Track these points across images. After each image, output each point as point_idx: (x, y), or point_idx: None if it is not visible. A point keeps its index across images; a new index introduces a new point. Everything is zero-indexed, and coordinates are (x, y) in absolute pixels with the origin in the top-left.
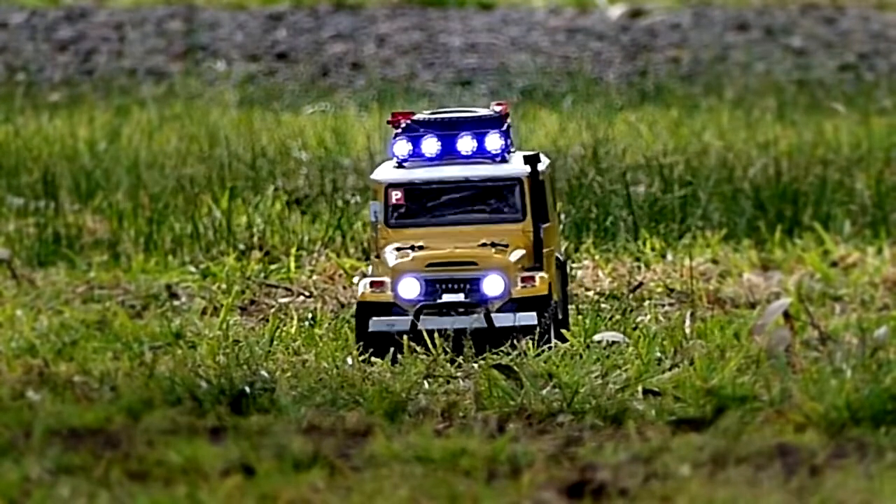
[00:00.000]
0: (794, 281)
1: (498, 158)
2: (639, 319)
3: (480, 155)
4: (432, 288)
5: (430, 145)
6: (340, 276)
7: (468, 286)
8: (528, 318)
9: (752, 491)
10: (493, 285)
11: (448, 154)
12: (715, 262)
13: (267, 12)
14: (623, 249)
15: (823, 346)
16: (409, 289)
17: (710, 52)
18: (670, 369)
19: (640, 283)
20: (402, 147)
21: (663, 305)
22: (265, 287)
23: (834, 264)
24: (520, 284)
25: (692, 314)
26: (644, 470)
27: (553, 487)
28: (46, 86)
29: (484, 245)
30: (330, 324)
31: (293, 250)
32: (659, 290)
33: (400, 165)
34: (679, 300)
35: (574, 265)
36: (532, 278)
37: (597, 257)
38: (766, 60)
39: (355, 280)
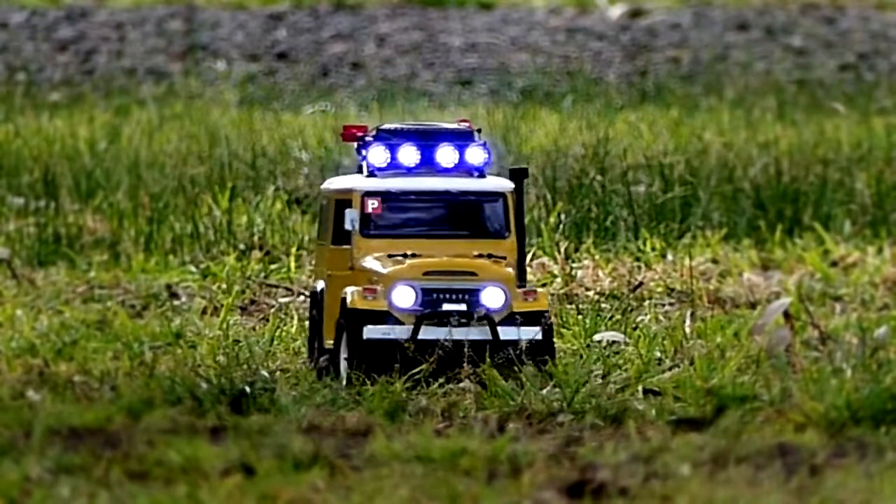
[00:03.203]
0: (794, 281)
1: (476, 173)
2: (639, 319)
3: (461, 168)
4: (429, 297)
5: (409, 155)
6: None
7: (468, 297)
8: (532, 332)
9: (752, 490)
10: (492, 297)
11: (426, 165)
12: (715, 261)
13: (267, 12)
14: (623, 249)
15: (823, 346)
16: (405, 297)
17: (710, 52)
18: (670, 369)
19: (641, 283)
20: (379, 155)
21: (663, 305)
22: (265, 287)
23: (834, 264)
24: (521, 298)
25: (692, 314)
26: (644, 469)
27: (553, 487)
28: (46, 86)
29: (480, 256)
30: None
31: (293, 250)
32: (659, 289)
33: (371, 174)
34: (679, 300)
35: (574, 265)
36: (534, 292)
37: (597, 257)
38: (767, 60)
39: (346, 292)
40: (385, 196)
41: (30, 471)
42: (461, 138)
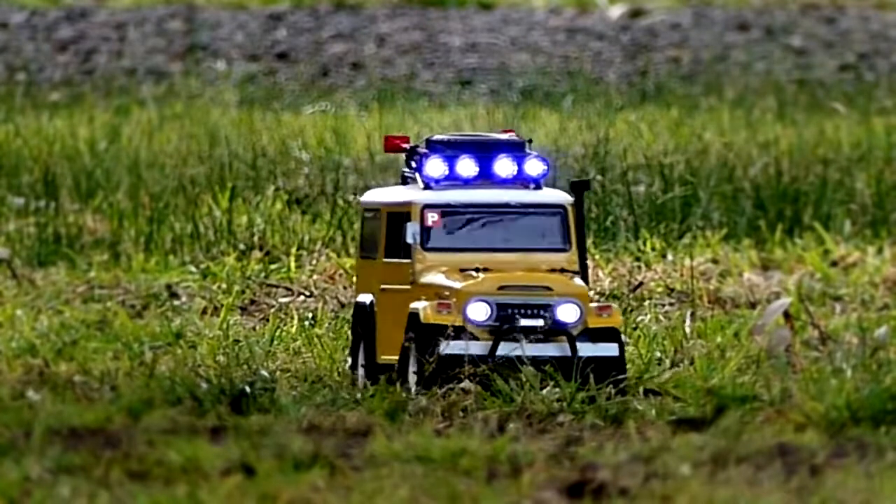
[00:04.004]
0: (794, 281)
1: (533, 185)
2: (639, 319)
3: (518, 179)
4: (504, 312)
5: (467, 167)
6: (341, 275)
7: (543, 312)
8: (609, 349)
9: (753, 490)
10: (568, 312)
11: (483, 177)
12: (715, 261)
13: (267, 12)
14: (623, 249)
15: (823, 346)
16: (479, 312)
17: (710, 52)
18: (670, 369)
19: (641, 283)
20: (437, 167)
21: (663, 305)
22: (265, 287)
23: (834, 264)
24: (596, 314)
25: (692, 314)
26: (644, 469)
27: (553, 487)
28: (46, 85)
29: (553, 271)
30: (330, 324)
31: (293, 250)
32: (659, 290)
33: (427, 187)
34: (679, 300)
35: None
36: (609, 308)
37: (597, 257)
38: (767, 60)
39: (417, 307)
40: (445, 209)
41: (30, 471)
42: (518, 150)
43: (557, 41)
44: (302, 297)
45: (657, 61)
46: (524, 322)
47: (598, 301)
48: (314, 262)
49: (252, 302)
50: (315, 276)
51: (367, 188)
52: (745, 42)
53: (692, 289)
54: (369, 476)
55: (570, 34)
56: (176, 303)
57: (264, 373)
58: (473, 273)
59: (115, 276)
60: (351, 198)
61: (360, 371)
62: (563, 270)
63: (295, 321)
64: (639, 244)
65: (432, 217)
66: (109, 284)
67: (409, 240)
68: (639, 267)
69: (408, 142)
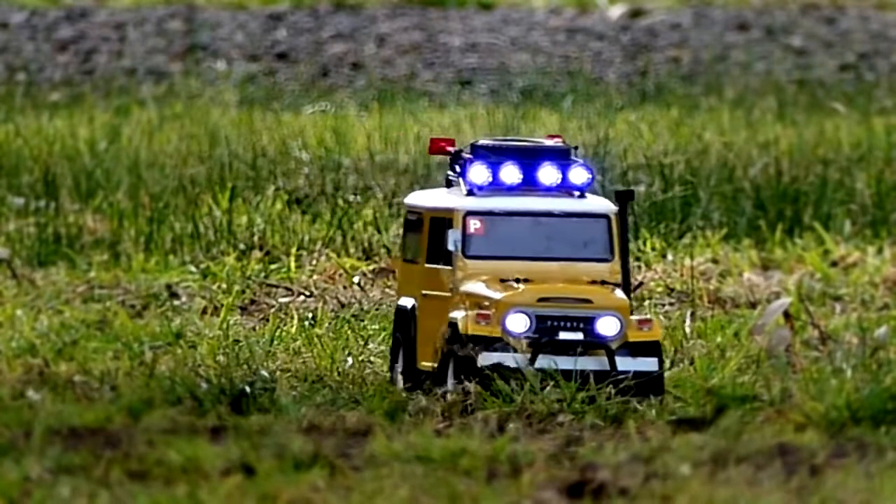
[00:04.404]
0: (794, 281)
1: (578, 193)
2: None
3: (562, 187)
4: (543, 324)
5: (511, 174)
6: (341, 275)
7: (583, 325)
8: (649, 364)
9: (753, 490)
10: (608, 326)
11: (527, 184)
12: (715, 261)
13: (267, 12)
14: None
15: (823, 346)
16: (518, 323)
17: (710, 52)
18: (670, 369)
19: (641, 283)
20: (480, 173)
21: (663, 305)
22: (265, 287)
23: (834, 264)
24: (636, 327)
25: (692, 314)
26: (644, 469)
27: (553, 487)
28: (47, 86)
29: (594, 283)
30: (330, 324)
31: (293, 250)
32: (659, 289)
33: (470, 192)
34: (679, 300)
35: None
36: (649, 321)
37: None
38: (767, 60)
39: (456, 317)
40: (488, 216)
41: (30, 471)
42: (563, 157)
43: (557, 41)
44: (302, 297)
45: (657, 61)
46: (563, 335)
47: (638, 314)
48: (314, 262)
49: (252, 302)
50: (315, 276)
51: (368, 188)
52: (745, 42)
53: (692, 289)
54: (369, 476)
55: (570, 34)
56: (176, 303)
57: (264, 373)
58: (514, 284)
59: (115, 276)
60: (351, 198)
61: (399, 375)
62: (604, 282)
63: (295, 321)
64: (639, 244)
65: (474, 224)
66: (109, 284)
67: (451, 247)
68: (639, 267)
69: (453, 145)
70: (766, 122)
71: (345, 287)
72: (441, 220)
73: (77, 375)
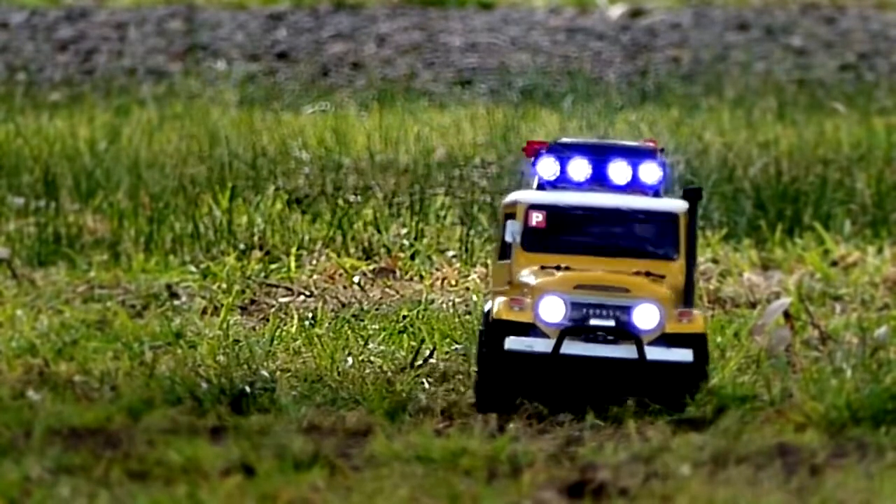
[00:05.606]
0: (795, 280)
1: (651, 192)
2: None
3: (633, 185)
4: (578, 312)
5: (580, 169)
6: (341, 275)
7: (618, 313)
8: (683, 354)
9: (753, 490)
10: (645, 315)
11: (597, 181)
12: (715, 261)
13: (267, 12)
14: None
15: (823, 346)
16: (553, 310)
17: (710, 52)
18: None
19: None
20: (549, 168)
21: None
22: (265, 287)
23: (834, 264)
24: (676, 319)
25: None
26: (644, 470)
27: (553, 487)
28: (47, 85)
29: (637, 273)
30: (330, 324)
31: (293, 250)
32: None
33: (541, 187)
34: None
35: None
36: (690, 313)
37: None
38: (767, 60)
39: (488, 305)
40: (551, 210)
41: (30, 471)
42: (636, 155)
43: (557, 41)
44: (302, 297)
45: (657, 61)
46: (594, 322)
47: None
48: (314, 262)
49: (252, 302)
50: (315, 276)
51: (368, 188)
52: (745, 42)
53: None
54: (369, 476)
55: (570, 34)
56: (176, 303)
57: (264, 373)
58: (552, 270)
59: (115, 276)
60: (351, 198)
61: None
62: (648, 273)
63: (295, 321)
64: None
65: (537, 217)
66: (109, 284)
67: (509, 238)
68: None
69: (546, 146)
70: (766, 122)
71: (345, 287)
72: (510, 216)
73: (77, 375)
